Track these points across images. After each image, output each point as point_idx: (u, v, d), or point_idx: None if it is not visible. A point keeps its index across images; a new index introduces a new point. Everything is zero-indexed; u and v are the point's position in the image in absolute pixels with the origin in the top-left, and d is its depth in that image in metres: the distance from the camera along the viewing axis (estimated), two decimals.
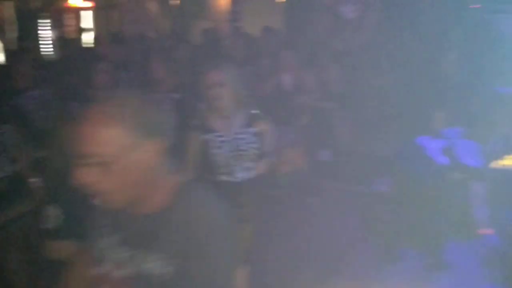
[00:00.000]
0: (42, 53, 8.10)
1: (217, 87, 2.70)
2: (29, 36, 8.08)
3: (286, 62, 4.81)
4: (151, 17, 8.96)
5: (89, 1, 8.93)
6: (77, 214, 1.70)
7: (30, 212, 3.12)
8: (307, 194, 5.05)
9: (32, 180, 3.26)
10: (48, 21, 8.25)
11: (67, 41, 8.37)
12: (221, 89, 2.69)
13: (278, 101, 4.77)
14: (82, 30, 8.81)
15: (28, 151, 3.36)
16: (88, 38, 8.68)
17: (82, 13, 8.87)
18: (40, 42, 8.16)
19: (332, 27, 6.32)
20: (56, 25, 8.43)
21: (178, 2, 9.21)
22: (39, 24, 8.18)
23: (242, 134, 2.79)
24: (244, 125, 2.82)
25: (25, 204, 3.18)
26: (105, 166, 1.16)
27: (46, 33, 8.20)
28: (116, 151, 1.17)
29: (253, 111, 2.87)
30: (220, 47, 5.70)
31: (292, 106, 4.82)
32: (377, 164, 4.85)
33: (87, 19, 8.92)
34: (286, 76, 4.74)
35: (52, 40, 8.26)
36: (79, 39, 8.74)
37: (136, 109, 1.20)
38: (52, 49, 8.20)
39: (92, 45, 7.45)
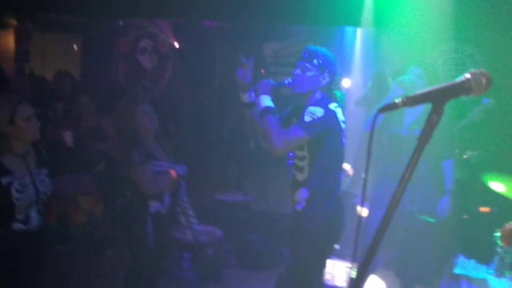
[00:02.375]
0: None
1: (12, 124, 2.49)
2: None
3: (82, 106, 4.62)
4: None
5: None
6: None
7: None
8: (103, 245, 4.79)
9: None
10: None
11: None
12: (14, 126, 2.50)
13: (73, 147, 4.50)
14: None
15: None
16: None
17: None
18: None
19: (131, 74, 6.35)
20: None
21: None
22: None
23: (39, 175, 2.58)
24: (38, 166, 2.61)
25: None
26: None
27: None
28: None
29: (44, 152, 2.69)
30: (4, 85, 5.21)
31: (88, 152, 4.59)
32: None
33: None
34: (83, 121, 4.54)
35: None
36: None
37: None
38: None
39: None
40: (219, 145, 6.29)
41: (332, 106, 2.60)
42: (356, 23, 5.89)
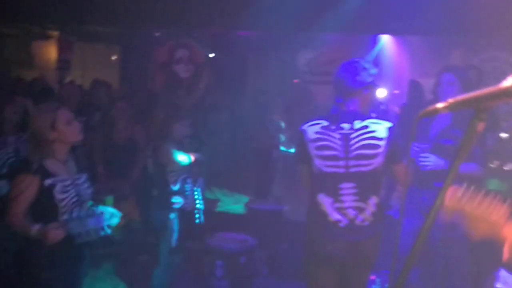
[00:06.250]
0: None
1: (55, 130, 2.60)
2: None
3: (119, 112, 4.74)
4: None
5: None
6: None
7: None
8: (140, 251, 4.86)
9: None
10: None
11: None
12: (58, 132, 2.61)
13: (113, 153, 4.61)
14: None
15: None
16: None
17: None
18: None
19: (167, 84, 6.47)
20: None
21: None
22: None
23: (80, 179, 2.68)
24: (79, 170, 2.71)
25: None
26: None
27: None
28: None
29: (82, 159, 2.82)
30: (50, 95, 5.40)
31: (126, 159, 4.69)
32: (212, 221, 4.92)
33: None
34: (117, 128, 4.66)
35: None
36: None
37: None
38: None
39: None
40: (252, 153, 6.30)
41: (306, 125, 2.58)
42: (391, 31, 5.82)
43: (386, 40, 6.83)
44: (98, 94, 5.67)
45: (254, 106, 7.10)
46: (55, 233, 2.42)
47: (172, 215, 3.62)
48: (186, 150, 3.82)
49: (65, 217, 2.56)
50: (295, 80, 8.10)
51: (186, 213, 3.74)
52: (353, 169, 2.55)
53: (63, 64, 7.98)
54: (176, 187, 3.67)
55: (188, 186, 3.74)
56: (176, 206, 3.65)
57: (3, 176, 3.63)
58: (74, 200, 2.60)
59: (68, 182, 2.59)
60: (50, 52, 8.28)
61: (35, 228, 2.43)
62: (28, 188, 2.47)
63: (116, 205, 4.53)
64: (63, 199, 2.54)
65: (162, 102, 5.90)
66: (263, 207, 5.18)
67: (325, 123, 2.56)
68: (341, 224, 2.54)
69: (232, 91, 7.53)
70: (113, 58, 8.39)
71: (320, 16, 5.48)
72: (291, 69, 8.00)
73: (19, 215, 2.46)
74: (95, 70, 7.56)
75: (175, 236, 3.63)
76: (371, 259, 2.67)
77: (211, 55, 7.99)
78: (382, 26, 5.69)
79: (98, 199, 4.46)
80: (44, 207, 2.51)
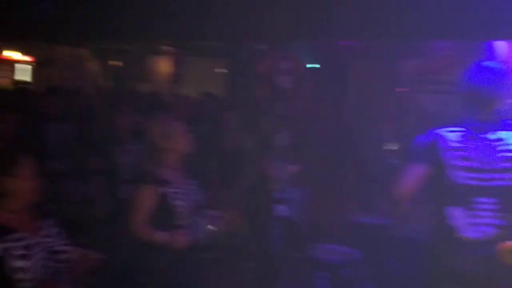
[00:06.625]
0: None
1: (169, 139, 2.76)
2: None
3: (229, 124, 4.94)
4: (91, 75, 8.96)
5: (28, 56, 9.07)
6: None
7: None
8: (244, 258, 5.00)
9: None
10: None
11: None
12: (173, 140, 2.78)
13: (222, 162, 4.81)
14: (17, 82, 8.68)
15: None
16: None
17: (18, 66, 8.96)
18: None
19: (271, 95, 6.63)
20: None
21: (120, 63, 9.32)
22: None
23: (192, 187, 2.82)
24: (190, 178, 2.86)
25: None
26: None
27: None
28: None
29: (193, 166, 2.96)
30: (164, 107, 5.81)
31: (234, 167, 4.87)
32: (315, 231, 4.94)
33: (24, 73, 8.97)
34: (229, 138, 4.85)
35: None
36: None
37: None
38: None
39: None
40: (355, 164, 6.21)
41: (441, 130, 2.38)
42: (506, 36, 5.41)
43: (499, 46, 6.36)
44: (208, 105, 5.96)
45: (357, 116, 7.01)
46: (182, 239, 2.56)
47: (276, 224, 3.70)
48: (289, 160, 3.90)
49: (180, 223, 2.70)
50: (399, 89, 7.86)
51: (289, 222, 3.81)
52: (494, 183, 2.35)
53: (175, 77, 8.51)
54: (279, 196, 3.76)
55: (290, 196, 3.82)
56: (279, 215, 3.74)
57: (125, 182, 3.96)
58: (187, 206, 2.72)
59: (181, 190, 2.73)
60: (163, 66, 8.88)
61: (160, 235, 2.58)
62: (148, 197, 2.63)
63: (223, 212, 4.75)
64: (177, 206, 2.68)
65: (265, 113, 6.05)
66: (367, 220, 5.07)
67: (463, 131, 2.39)
68: (476, 241, 2.35)
69: (334, 101, 7.51)
70: (221, 70, 8.79)
71: (424, 22, 5.26)
72: (394, 78, 7.78)
73: (142, 224, 2.64)
74: (204, 82, 7.98)
75: (278, 245, 3.71)
76: (505, 277, 2.47)
77: (313, 66, 8.03)
78: (494, 31, 5.31)
79: (208, 206, 4.72)
80: (161, 214, 2.66)
